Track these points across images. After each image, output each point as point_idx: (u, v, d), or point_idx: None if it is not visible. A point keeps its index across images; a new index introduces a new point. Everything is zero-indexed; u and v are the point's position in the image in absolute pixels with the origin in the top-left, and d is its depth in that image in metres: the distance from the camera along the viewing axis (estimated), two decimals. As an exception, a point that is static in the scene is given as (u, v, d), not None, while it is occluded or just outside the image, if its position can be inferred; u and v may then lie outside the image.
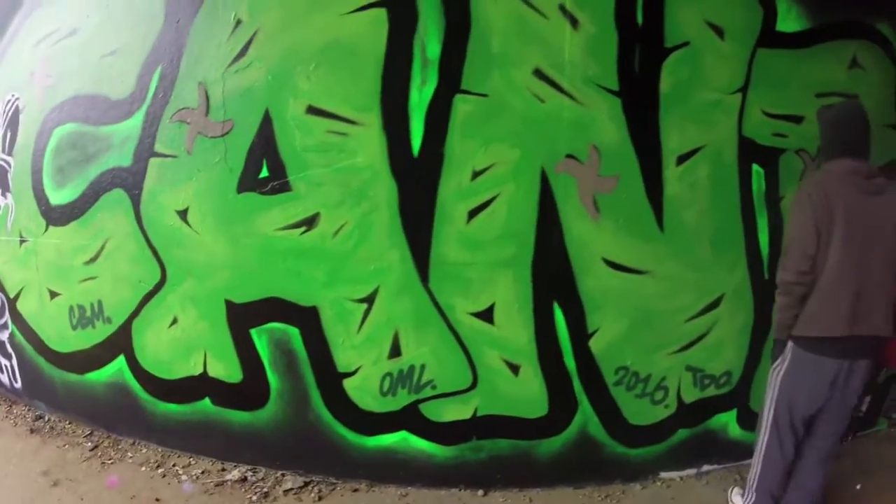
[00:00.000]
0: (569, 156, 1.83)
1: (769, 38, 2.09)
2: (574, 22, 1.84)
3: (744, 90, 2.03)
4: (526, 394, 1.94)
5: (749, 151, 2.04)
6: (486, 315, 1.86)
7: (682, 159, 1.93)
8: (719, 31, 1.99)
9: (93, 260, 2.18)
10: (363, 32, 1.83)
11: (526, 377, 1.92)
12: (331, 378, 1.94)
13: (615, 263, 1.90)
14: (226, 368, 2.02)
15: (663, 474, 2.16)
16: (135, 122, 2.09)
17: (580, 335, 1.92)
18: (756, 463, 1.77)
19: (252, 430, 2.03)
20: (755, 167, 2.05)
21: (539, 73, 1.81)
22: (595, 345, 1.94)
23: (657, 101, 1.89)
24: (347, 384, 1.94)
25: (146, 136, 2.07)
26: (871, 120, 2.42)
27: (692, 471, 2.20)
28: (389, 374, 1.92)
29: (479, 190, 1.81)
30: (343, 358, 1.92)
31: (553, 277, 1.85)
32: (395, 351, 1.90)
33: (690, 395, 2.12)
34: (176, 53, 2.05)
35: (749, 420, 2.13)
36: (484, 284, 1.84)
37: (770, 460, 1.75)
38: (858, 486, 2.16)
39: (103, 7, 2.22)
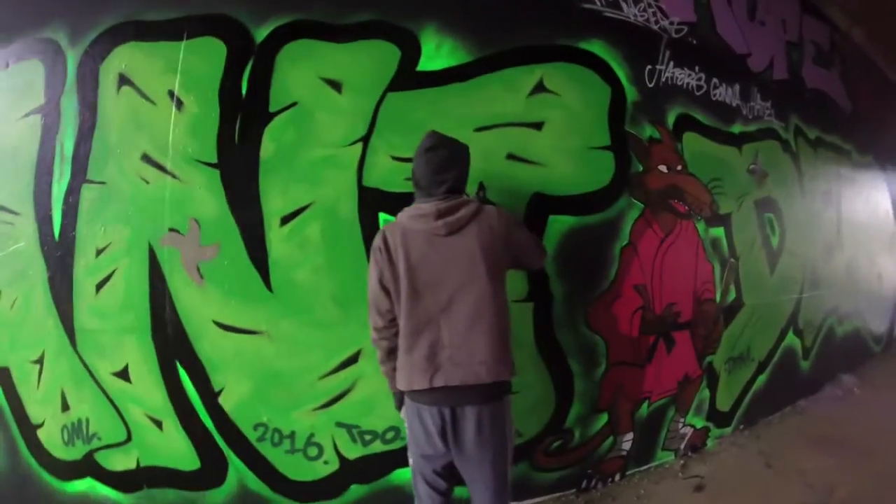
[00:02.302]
0: (172, 230, 1.97)
1: (406, 79, 2.05)
2: (179, 104, 1.99)
3: (366, 139, 2.01)
4: (175, 447, 2.07)
5: (375, 201, 2.02)
6: (124, 375, 2.04)
7: (286, 220, 1.97)
8: (337, 86, 2.01)
9: None
10: (24, 137, 2.14)
11: (170, 432, 2.06)
12: (28, 430, 2.22)
13: (226, 325, 1.98)
14: (-41, 423, 2.40)
15: (355, 528, 2.15)
16: None
17: (208, 394, 2.02)
18: None
19: (-12, 478, 2.40)
20: (384, 216, 2.01)
21: (146, 158, 1.99)
22: (225, 403, 2.02)
23: (257, 167, 1.97)
24: (41, 434, 2.21)
25: None
26: (558, 146, 2.22)
27: (390, 524, 2.16)
28: (66, 426, 2.16)
29: (101, 267, 2.01)
30: (33, 411, 2.20)
31: (171, 341, 1.98)
32: (65, 406, 2.15)
33: (353, 452, 2.11)
34: None
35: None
36: (115, 348, 2.03)
37: None
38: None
39: None
